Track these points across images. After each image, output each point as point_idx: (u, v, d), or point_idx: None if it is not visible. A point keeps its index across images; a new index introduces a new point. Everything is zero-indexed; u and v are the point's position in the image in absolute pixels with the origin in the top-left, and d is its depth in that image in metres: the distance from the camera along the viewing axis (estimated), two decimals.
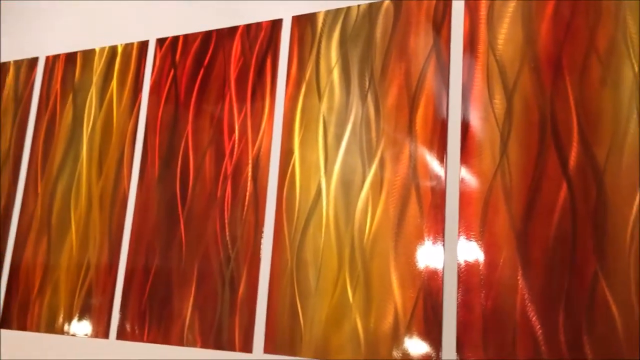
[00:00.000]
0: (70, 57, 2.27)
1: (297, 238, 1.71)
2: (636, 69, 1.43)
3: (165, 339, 1.81)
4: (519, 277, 1.45)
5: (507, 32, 1.58)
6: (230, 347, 1.72)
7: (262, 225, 1.77)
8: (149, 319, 1.85)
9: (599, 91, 1.45)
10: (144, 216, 1.95)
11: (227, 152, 1.87)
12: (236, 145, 1.87)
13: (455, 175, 1.56)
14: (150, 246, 1.91)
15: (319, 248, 1.68)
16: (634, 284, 1.34)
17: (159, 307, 1.85)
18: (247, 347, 1.70)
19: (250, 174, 1.83)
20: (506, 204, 1.49)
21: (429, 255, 1.54)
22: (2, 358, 2.07)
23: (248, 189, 1.81)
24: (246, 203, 1.81)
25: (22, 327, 2.06)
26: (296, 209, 1.73)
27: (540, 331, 1.40)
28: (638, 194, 1.37)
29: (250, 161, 1.83)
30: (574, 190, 1.43)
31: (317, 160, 1.73)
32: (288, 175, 1.77)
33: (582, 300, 1.38)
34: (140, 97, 2.09)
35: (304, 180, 1.74)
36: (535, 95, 1.51)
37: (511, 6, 1.58)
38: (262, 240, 1.76)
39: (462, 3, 1.64)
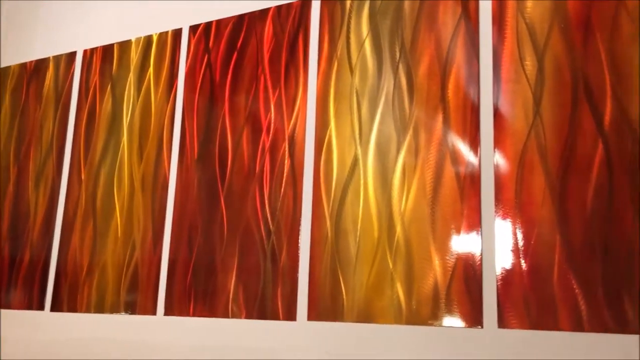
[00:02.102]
0: (107, 49, 2.35)
1: (336, 208, 1.75)
2: None
3: (211, 312, 1.87)
4: (557, 233, 1.47)
5: None
6: (274, 317, 1.77)
7: (301, 197, 1.82)
8: (195, 294, 1.91)
9: (630, 47, 1.47)
10: (185, 196, 2.01)
11: (264, 129, 1.93)
12: (272, 123, 1.92)
13: (489, 137, 1.59)
14: (193, 224, 1.97)
15: (357, 217, 1.72)
16: None
17: (203, 282, 1.91)
18: (290, 316, 1.75)
19: (287, 149, 1.88)
20: (542, 163, 1.51)
21: (466, 217, 1.57)
22: (54, 339, 2.15)
23: (286, 163, 1.86)
24: (284, 177, 1.86)
25: (72, 309, 2.13)
26: (334, 181, 1.77)
27: (579, 286, 1.42)
28: None
29: (286, 137, 1.88)
30: (609, 145, 1.45)
31: (353, 132, 1.78)
32: (324, 148, 1.81)
33: (621, 252, 1.40)
34: (177, 82, 2.15)
35: (340, 152, 1.78)
36: (566, 55, 1.54)
37: None
38: (302, 212, 1.80)
39: None
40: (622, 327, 1.37)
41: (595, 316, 1.40)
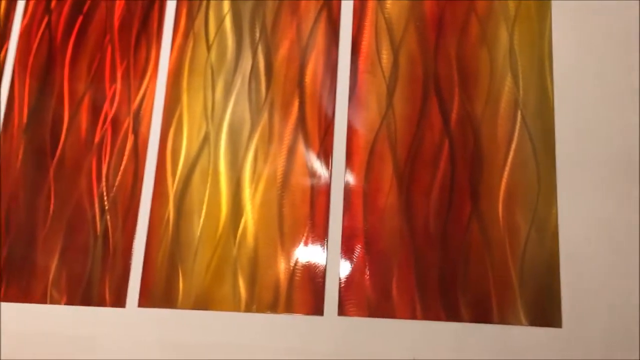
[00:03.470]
0: None
1: (180, 187, 1.64)
2: (510, 29, 1.54)
3: (25, 297, 1.65)
4: (401, 223, 1.49)
5: None
6: (101, 303, 1.60)
7: (143, 174, 1.68)
8: (8, 276, 1.68)
9: (477, 50, 1.55)
10: (7, 166, 1.78)
11: (108, 100, 1.77)
12: (117, 94, 1.77)
13: (343, 124, 1.58)
14: (13, 199, 1.74)
15: (203, 198, 1.62)
16: (504, 227, 1.44)
17: (19, 263, 1.68)
18: (119, 302, 1.59)
19: (132, 122, 1.73)
20: (391, 153, 1.54)
21: (315, 205, 1.55)
22: None
23: (129, 136, 1.72)
24: (126, 152, 1.71)
25: None
26: (181, 158, 1.67)
27: (416, 276, 1.44)
28: (512, 144, 1.48)
29: (132, 110, 1.74)
30: (454, 140, 1.51)
31: (205, 110, 1.69)
32: (173, 124, 1.70)
33: (457, 245, 1.45)
34: (8, 43, 1.92)
35: (190, 130, 1.68)
36: (419, 52, 1.59)
37: None
38: (142, 190, 1.67)
39: None
40: (452, 316, 1.41)
41: (429, 305, 1.43)
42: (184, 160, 1.66)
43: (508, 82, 1.52)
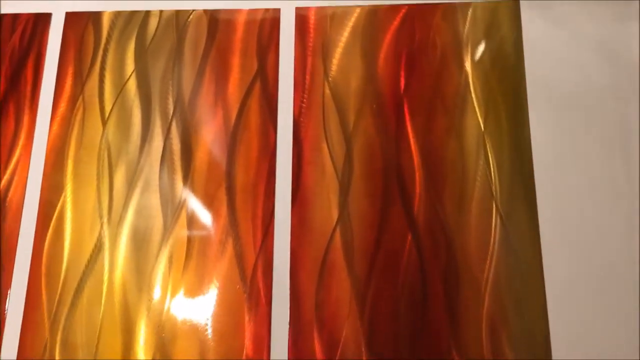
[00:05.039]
0: None
1: (63, 311, 1.21)
2: (481, 121, 1.31)
3: None
4: (363, 351, 1.18)
5: (344, 65, 1.36)
6: None
7: (6, 294, 1.23)
8: None
9: (445, 140, 1.30)
10: None
11: None
12: None
13: (286, 228, 1.25)
14: None
15: (95, 324, 1.20)
16: (487, 353, 1.18)
17: None
18: None
19: None
20: (347, 266, 1.23)
21: (254, 331, 1.19)
22: None
23: None
24: None
25: None
26: (63, 270, 1.23)
27: None
28: (493, 253, 1.23)
29: None
30: (422, 248, 1.24)
31: (99, 205, 1.27)
32: (53, 222, 1.27)
33: None
34: None
35: (77, 232, 1.26)
36: (378, 139, 1.31)
37: (344, 38, 1.37)
38: (5, 318, 1.21)
39: (292, 22, 1.39)
40: None
41: None
42: (67, 275, 1.23)
43: (480, 178, 1.28)
